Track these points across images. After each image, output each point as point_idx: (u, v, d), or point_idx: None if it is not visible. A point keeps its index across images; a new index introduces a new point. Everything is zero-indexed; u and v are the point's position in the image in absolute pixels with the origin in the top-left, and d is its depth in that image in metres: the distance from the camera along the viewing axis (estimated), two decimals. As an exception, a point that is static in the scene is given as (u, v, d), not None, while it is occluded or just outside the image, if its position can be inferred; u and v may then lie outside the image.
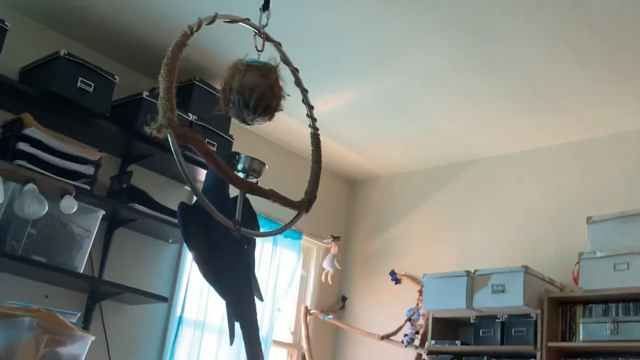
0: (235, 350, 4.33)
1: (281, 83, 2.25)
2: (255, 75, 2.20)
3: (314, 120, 2.38)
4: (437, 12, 3.30)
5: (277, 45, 2.35)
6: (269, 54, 2.31)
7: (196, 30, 2.07)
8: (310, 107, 2.39)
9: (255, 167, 2.22)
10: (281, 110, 2.27)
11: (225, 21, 2.21)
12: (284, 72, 2.32)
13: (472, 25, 3.39)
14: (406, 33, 3.51)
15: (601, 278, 3.62)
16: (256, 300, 2.54)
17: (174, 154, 1.85)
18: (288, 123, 4.58)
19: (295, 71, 2.36)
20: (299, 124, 4.61)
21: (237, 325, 2.46)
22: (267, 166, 2.33)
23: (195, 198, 2.38)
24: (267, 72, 2.22)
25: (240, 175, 2.26)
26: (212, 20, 2.15)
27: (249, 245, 2.59)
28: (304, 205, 2.29)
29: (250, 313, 2.53)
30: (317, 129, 2.40)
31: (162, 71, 1.91)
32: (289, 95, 2.28)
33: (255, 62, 2.24)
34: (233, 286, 2.48)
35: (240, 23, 2.26)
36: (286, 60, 2.35)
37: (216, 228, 2.22)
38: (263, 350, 2.60)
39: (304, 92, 2.37)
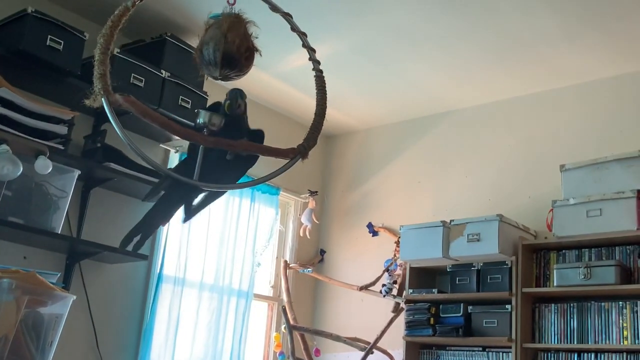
0: (215, 304, 4.38)
1: (243, 29, 2.16)
2: (213, 29, 2.15)
3: (316, 62, 2.25)
4: (410, -38, 3.28)
5: None
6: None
7: (140, 1, 2.06)
8: (312, 50, 2.25)
9: (215, 121, 2.18)
10: (251, 55, 2.17)
11: None
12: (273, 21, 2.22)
13: (445, -25, 3.37)
14: (379, -16, 3.48)
15: (574, 224, 3.68)
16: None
17: (110, 120, 1.88)
18: (264, 79, 4.56)
19: (286, 16, 2.24)
20: (274, 79, 4.60)
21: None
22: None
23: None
24: (222, 22, 2.15)
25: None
26: None
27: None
28: (298, 151, 2.13)
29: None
30: (320, 72, 2.26)
31: (97, 44, 1.92)
32: (256, 37, 2.19)
33: (215, 17, 2.19)
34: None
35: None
36: (275, 7, 2.23)
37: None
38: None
39: (303, 35, 2.24)
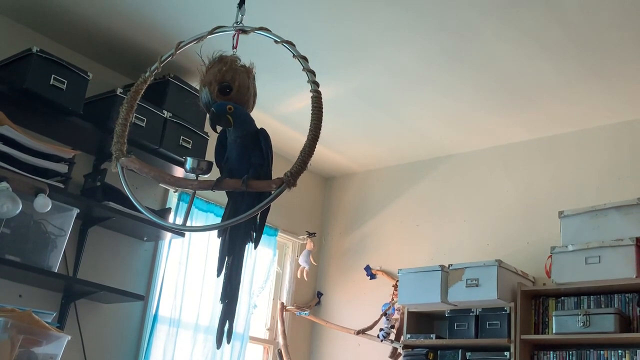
0: (210, 347, 4.32)
1: (218, 68, 2.20)
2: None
3: (315, 84, 2.18)
4: (410, 9, 3.32)
5: (261, 30, 2.24)
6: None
7: (158, 70, 2.28)
8: (312, 73, 2.18)
9: (203, 166, 2.19)
10: (228, 88, 2.19)
11: (193, 43, 2.27)
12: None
13: (445, 23, 3.42)
14: (380, 30, 3.53)
15: (573, 271, 3.67)
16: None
17: (122, 184, 2.17)
18: (265, 121, 4.58)
19: (287, 44, 2.21)
20: (274, 120, 4.63)
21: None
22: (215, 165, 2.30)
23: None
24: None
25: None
26: (172, 54, 2.28)
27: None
28: (284, 179, 1.99)
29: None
30: (318, 92, 2.17)
31: (118, 117, 2.19)
32: (241, 61, 2.25)
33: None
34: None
35: (215, 30, 2.27)
36: (277, 40, 2.22)
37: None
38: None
39: (304, 60, 2.19)
